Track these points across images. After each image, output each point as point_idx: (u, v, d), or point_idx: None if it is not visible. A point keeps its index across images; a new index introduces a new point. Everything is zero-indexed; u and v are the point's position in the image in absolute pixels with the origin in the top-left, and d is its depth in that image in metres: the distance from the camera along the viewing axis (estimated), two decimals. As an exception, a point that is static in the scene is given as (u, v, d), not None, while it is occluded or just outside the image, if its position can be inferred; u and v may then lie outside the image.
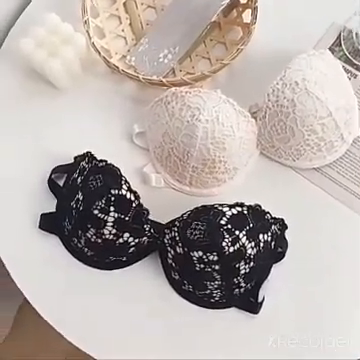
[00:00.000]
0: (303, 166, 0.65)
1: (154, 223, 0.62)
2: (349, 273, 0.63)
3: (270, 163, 0.67)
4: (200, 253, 0.56)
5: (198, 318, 0.61)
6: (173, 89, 0.62)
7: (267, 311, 0.61)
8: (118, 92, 0.70)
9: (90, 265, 0.63)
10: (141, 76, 0.65)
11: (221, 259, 0.56)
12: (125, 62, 0.71)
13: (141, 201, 0.59)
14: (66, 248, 0.63)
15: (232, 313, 0.61)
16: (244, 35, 0.69)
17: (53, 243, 0.64)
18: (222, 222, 0.56)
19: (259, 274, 0.60)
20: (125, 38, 0.72)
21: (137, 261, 0.62)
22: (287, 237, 0.62)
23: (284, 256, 0.61)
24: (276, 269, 0.61)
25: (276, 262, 0.61)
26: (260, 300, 0.60)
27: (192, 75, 0.65)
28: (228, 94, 0.63)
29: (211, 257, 0.56)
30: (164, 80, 0.64)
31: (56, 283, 0.63)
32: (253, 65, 0.71)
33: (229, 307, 0.61)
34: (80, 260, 0.63)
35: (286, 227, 0.61)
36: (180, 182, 0.65)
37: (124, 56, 0.71)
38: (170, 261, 0.60)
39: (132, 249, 0.60)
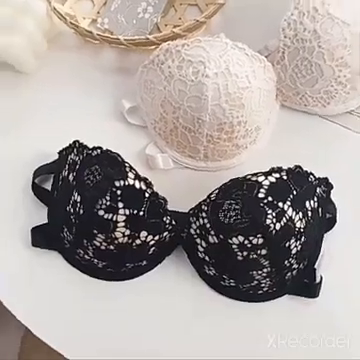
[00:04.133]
0: (336, 111, 0.56)
1: (173, 214, 0.52)
2: None
3: (295, 115, 0.58)
4: (241, 238, 0.47)
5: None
6: (165, 45, 0.52)
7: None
8: (95, 65, 0.60)
9: (104, 278, 0.53)
10: (122, 37, 0.54)
11: (268, 241, 0.46)
12: (97, 27, 0.61)
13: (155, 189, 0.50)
14: (70, 263, 0.53)
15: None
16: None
17: (53, 260, 0.54)
18: (261, 195, 0.47)
19: (311, 249, 0.51)
20: (91, -2, 0.63)
21: (159, 263, 0.53)
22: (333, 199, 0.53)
23: (335, 222, 0.53)
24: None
25: (327, 231, 0.53)
26: (317, 280, 0.52)
27: (183, 25, 0.55)
28: None
29: (255, 240, 0.46)
30: (151, 37, 0.54)
31: (64, 309, 0.52)
32: (250, 3, 0.62)
33: (281, 296, 0.52)
34: (90, 275, 0.53)
35: (331, 187, 0.53)
36: (193, 158, 0.56)
37: (94, 20, 0.62)
38: (202, 255, 0.51)
39: (152, 249, 0.51)
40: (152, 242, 0.51)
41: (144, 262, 0.53)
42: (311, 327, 0.52)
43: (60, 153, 0.55)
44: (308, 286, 0.52)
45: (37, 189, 0.56)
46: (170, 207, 0.54)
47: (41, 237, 0.54)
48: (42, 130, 0.58)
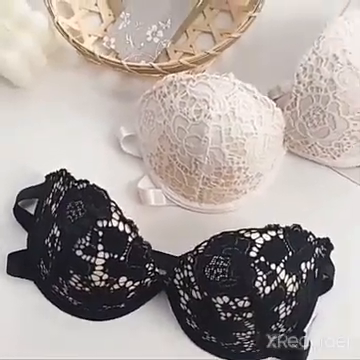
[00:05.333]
0: (346, 164, 0.53)
1: (158, 255, 0.50)
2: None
3: (302, 163, 0.54)
4: (226, 299, 0.43)
5: None
6: (169, 77, 0.49)
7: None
8: (95, 86, 0.57)
9: (78, 316, 0.50)
10: (125, 62, 0.51)
11: (255, 304, 0.43)
12: (103, 46, 0.58)
13: (139, 232, 0.46)
14: (45, 296, 0.51)
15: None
16: (254, -1, 0.56)
17: (28, 290, 0.51)
18: (252, 254, 0.43)
19: (303, 313, 0.48)
20: (100, 14, 0.60)
21: (139, 306, 0.50)
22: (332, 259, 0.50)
23: (332, 284, 0.49)
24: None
25: (322, 294, 0.50)
26: (306, 346, 0.49)
27: (192, 56, 0.52)
28: (238, 78, 0.50)
29: (241, 303, 0.43)
30: (156, 65, 0.51)
31: (36, 341, 0.49)
32: (269, 37, 0.59)
33: (265, 358, 0.49)
34: (65, 311, 0.50)
35: (332, 247, 0.49)
36: (187, 198, 0.52)
37: (100, 38, 0.58)
38: (184, 307, 0.48)
39: (132, 294, 0.48)
40: (132, 287, 0.47)
41: (122, 305, 0.50)
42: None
43: (47, 177, 0.52)
44: (295, 351, 0.48)
45: (19, 212, 0.53)
46: (158, 246, 0.51)
47: (17, 265, 0.51)
48: (33, 149, 0.56)
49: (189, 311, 0.48)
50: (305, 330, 0.49)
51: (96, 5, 0.59)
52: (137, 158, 0.55)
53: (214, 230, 0.47)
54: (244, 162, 0.49)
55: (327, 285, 0.50)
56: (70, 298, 0.49)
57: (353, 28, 0.48)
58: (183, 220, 0.54)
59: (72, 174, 0.49)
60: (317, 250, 0.48)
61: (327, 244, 0.49)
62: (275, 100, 0.52)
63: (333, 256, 0.50)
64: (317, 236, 0.49)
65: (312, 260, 0.47)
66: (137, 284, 0.47)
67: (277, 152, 0.53)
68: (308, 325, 0.49)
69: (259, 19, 0.56)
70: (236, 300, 0.44)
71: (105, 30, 0.58)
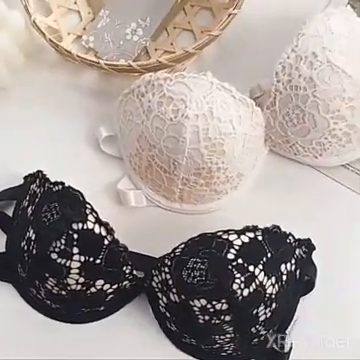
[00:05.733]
0: (328, 163, 0.52)
1: (138, 257, 0.49)
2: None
3: (284, 162, 0.53)
4: (203, 302, 0.43)
5: None
6: (147, 76, 0.48)
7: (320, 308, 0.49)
8: (75, 85, 0.56)
9: (57, 319, 0.49)
10: (103, 61, 0.51)
11: (233, 307, 0.43)
12: (82, 44, 0.57)
13: (120, 234, 0.46)
14: (24, 299, 0.50)
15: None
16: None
17: (7, 293, 0.50)
18: (230, 256, 0.43)
19: (284, 315, 0.47)
20: (79, 12, 0.58)
21: (119, 309, 0.49)
22: (315, 260, 0.49)
23: (314, 286, 0.49)
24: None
25: (304, 295, 0.49)
26: (287, 348, 0.48)
27: (171, 54, 0.51)
28: (220, 76, 0.50)
29: (219, 306, 0.43)
30: (134, 64, 0.50)
31: (15, 344, 0.49)
32: (250, 35, 0.58)
33: (246, 360, 0.49)
34: (44, 314, 0.49)
35: (314, 248, 0.48)
36: (168, 199, 0.52)
37: (79, 36, 0.57)
38: (163, 310, 0.47)
39: (111, 297, 0.47)
40: (110, 290, 0.47)
41: (102, 308, 0.49)
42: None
43: (25, 179, 0.51)
44: (277, 353, 0.47)
45: (-2, 214, 0.53)
46: (139, 248, 0.51)
47: (-4, 267, 0.51)
48: (12, 149, 0.55)
49: (168, 314, 0.47)
50: (287, 331, 0.49)
51: (75, 3, 0.58)
52: (117, 158, 0.54)
53: (195, 231, 0.46)
54: (223, 162, 0.48)
55: (309, 286, 0.49)
56: (48, 301, 0.48)
57: (333, 25, 0.47)
58: (164, 221, 0.53)
59: (50, 175, 0.48)
60: (298, 251, 0.47)
61: (308, 245, 0.48)
62: (256, 98, 0.52)
63: (316, 256, 0.49)
64: (300, 236, 0.48)
65: (292, 261, 0.47)
66: (115, 287, 0.47)
67: (258, 152, 0.52)
68: (290, 327, 0.49)
69: (241, 16, 0.56)
70: (214, 303, 0.43)
71: (84, 28, 0.57)
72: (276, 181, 0.54)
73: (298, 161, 0.53)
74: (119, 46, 0.55)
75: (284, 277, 0.45)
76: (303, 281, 0.48)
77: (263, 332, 0.46)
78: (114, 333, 0.50)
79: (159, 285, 0.46)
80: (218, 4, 0.57)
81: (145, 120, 0.48)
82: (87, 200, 0.46)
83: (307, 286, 0.49)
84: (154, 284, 0.46)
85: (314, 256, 0.49)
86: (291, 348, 0.48)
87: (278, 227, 0.46)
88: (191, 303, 0.43)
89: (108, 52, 0.55)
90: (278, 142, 0.51)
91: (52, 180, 0.47)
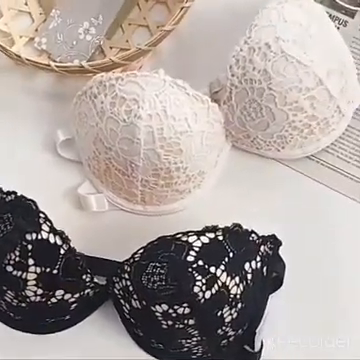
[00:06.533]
0: (292, 156, 0.51)
1: (103, 262, 0.48)
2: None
3: (248, 157, 0.52)
4: (165, 307, 0.41)
5: None
6: (98, 76, 0.46)
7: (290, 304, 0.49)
8: (30, 89, 0.54)
9: (21, 330, 0.48)
10: (54, 64, 0.49)
11: (196, 311, 0.41)
12: (35, 47, 0.55)
13: (80, 241, 0.45)
14: (-14, 311, 0.49)
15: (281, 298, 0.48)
16: (190, -13, 0.54)
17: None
18: (190, 258, 0.41)
19: (252, 314, 0.46)
20: (30, 14, 0.56)
21: (86, 317, 0.48)
22: (283, 255, 0.48)
23: (282, 282, 0.48)
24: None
25: (273, 292, 0.48)
26: (258, 347, 0.47)
27: (124, 52, 0.49)
28: (178, 72, 0.49)
29: (181, 310, 0.41)
30: (86, 65, 0.48)
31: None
32: (209, 27, 0.56)
33: (218, 362, 0.48)
34: (9, 326, 0.48)
35: (280, 243, 0.47)
36: (130, 201, 0.50)
37: (32, 39, 0.55)
38: (128, 316, 0.46)
39: (74, 306, 0.46)
40: (72, 300, 0.45)
41: (67, 317, 0.48)
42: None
43: (-21, 189, 0.50)
44: (249, 353, 0.47)
45: None
46: (104, 253, 0.49)
47: None
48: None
49: (133, 320, 0.46)
50: (257, 330, 0.48)
51: (26, 4, 0.56)
52: (76, 162, 0.52)
53: (160, 232, 0.45)
54: (182, 162, 0.46)
55: (277, 283, 0.48)
56: (11, 313, 0.47)
57: (287, 13, 0.45)
58: (128, 224, 0.52)
59: (6, 184, 0.46)
60: (263, 248, 0.46)
61: (274, 240, 0.47)
62: (216, 93, 0.50)
63: (284, 251, 0.48)
64: (267, 231, 0.47)
65: (258, 259, 0.45)
66: (77, 296, 0.45)
67: (219, 148, 0.51)
68: (260, 325, 0.48)
69: (198, 8, 0.54)
70: (175, 307, 0.42)
71: (36, 30, 0.55)
72: (241, 177, 0.52)
73: (261, 155, 0.51)
74: (72, 46, 0.53)
75: (249, 276, 0.44)
76: (271, 278, 0.47)
77: (231, 333, 0.45)
78: (83, 341, 0.48)
79: (121, 292, 0.45)
80: (173, -3, 0.56)
81: (99, 122, 0.46)
82: (42, 209, 0.44)
83: (276, 283, 0.48)
84: (116, 291, 0.45)
85: (282, 251, 0.48)
86: (262, 347, 0.47)
87: (239, 225, 0.44)
88: (153, 309, 0.42)
89: (61, 53, 0.53)
90: (239, 137, 0.50)
91: (5, 190, 0.45)
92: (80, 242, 0.49)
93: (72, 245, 0.44)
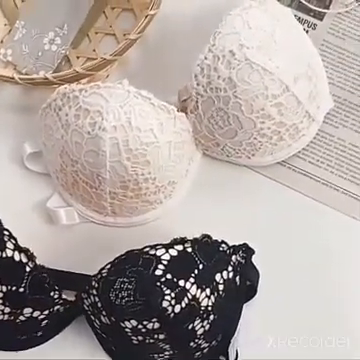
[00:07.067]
0: (263, 162, 0.50)
1: (75, 277, 0.47)
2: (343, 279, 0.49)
3: (219, 165, 0.51)
4: (134, 322, 0.41)
5: None
6: (62, 88, 0.45)
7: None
8: (-4, 101, 0.54)
9: (-4, 349, 0.48)
10: (18, 76, 0.48)
11: (165, 325, 0.41)
12: (0, 59, 0.53)
13: (51, 256, 0.45)
14: None
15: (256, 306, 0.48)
16: (155, -6, 0.53)
17: None
18: (158, 272, 0.41)
19: (225, 325, 0.45)
20: (-5, 25, 0.56)
21: (59, 332, 0.47)
22: (256, 263, 0.47)
23: (256, 291, 0.47)
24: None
25: (247, 301, 0.47)
26: (233, 357, 0.46)
27: (89, 63, 0.48)
28: (147, 80, 0.49)
29: (150, 325, 0.41)
30: (50, 76, 0.47)
31: None
32: (178, 34, 0.55)
33: (192, 374, 0.47)
34: (-19, 344, 0.48)
35: (253, 252, 0.46)
36: (100, 213, 0.49)
37: (-3, 50, 0.55)
38: (99, 331, 0.45)
39: (45, 322, 0.45)
40: (42, 316, 0.44)
41: (39, 333, 0.47)
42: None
43: None
44: (223, 363, 0.47)
45: None
46: (76, 267, 0.48)
47: None
48: None
49: (104, 335, 0.45)
50: (232, 340, 0.47)
51: (-11, 16, 0.56)
52: (45, 175, 0.51)
53: (133, 244, 0.44)
54: (150, 173, 0.46)
55: (251, 291, 0.47)
56: (-19, 332, 0.47)
57: (252, 20, 0.45)
58: (100, 236, 0.51)
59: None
60: (234, 257, 0.45)
61: (246, 249, 0.46)
62: (184, 101, 0.49)
63: (258, 259, 0.47)
64: (242, 239, 0.46)
65: (229, 269, 0.44)
66: (46, 313, 0.44)
67: (190, 157, 0.50)
68: (235, 335, 0.47)
69: (166, 15, 0.54)
70: (144, 323, 0.41)
71: (1, 42, 0.54)
72: (213, 185, 0.52)
73: (232, 162, 0.51)
74: (38, 57, 0.52)
75: (221, 286, 0.44)
76: (245, 287, 0.46)
77: (205, 345, 0.45)
78: (57, 357, 0.47)
79: (90, 308, 0.44)
80: (140, 4, 0.54)
81: (64, 135, 0.46)
82: (11, 223, 0.43)
83: (250, 291, 0.47)
84: (86, 307, 0.44)
85: (256, 259, 0.47)
86: (237, 356, 0.47)
87: (208, 236, 0.44)
88: (122, 325, 0.42)
89: (27, 65, 0.52)
90: (209, 145, 0.49)
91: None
92: (51, 257, 0.49)
93: (39, 262, 0.43)
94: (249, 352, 0.47)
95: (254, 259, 0.47)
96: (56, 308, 0.45)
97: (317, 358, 0.49)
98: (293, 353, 0.49)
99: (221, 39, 0.44)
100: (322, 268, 0.50)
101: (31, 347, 0.47)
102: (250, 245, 0.47)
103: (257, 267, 0.47)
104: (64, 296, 0.44)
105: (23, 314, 0.43)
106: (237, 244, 0.46)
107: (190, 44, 0.55)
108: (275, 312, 0.49)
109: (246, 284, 0.46)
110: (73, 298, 0.45)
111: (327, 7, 0.55)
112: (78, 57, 0.54)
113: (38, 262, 0.45)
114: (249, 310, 0.47)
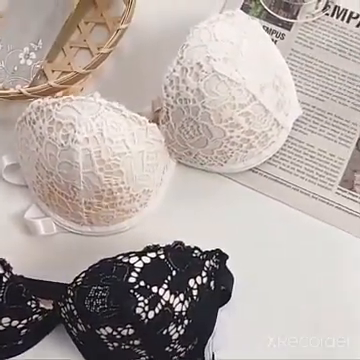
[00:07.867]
0: (235, 170, 0.51)
1: (53, 286, 0.48)
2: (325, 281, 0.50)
3: (193, 173, 0.52)
4: (109, 329, 0.42)
5: None
6: (36, 102, 0.46)
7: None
8: (-28, 116, 0.54)
9: (-24, 359, 0.48)
10: (-9, 91, 0.49)
11: (140, 331, 0.42)
12: (-23, 74, 0.55)
13: (30, 266, 0.46)
14: None
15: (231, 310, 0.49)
16: (127, 8, 0.54)
17: None
18: (131, 280, 0.41)
19: (200, 329, 0.46)
20: (-29, 41, 0.56)
21: (39, 341, 0.48)
22: (231, 268, 0.48)
23: (230, 295, 0.48)
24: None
25: (222, 305, 0.48)
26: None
27: (62, 77, 0.49)
28: (121, 92, 0.50)
29: (125, 331, 0.42)
30: (24, 90, 0.48)
31: None
32: (152, 46, 0.56)
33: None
34: None
35: (226, 257, 0.47)
36: (77, 223, 0.50)
37: (-27, 66, 0.55)
38: (77, 339, 0.46)
39: (24, 331, 0.46)
40: (21, 326, 0.45)
41: (20, 342, 0.48)
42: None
43: None
44: (200, 367, 0.48)
45: None
46: (55, 277, 0.49)
47: None
48: None
49: (82, 343, 0.46)
50: (208, 343, 0.48)
51: (-34, 31, 0.57)
52: (23, 187, 0.52)
53: (111, 252, 0.45)
54: (123, 182, 0.46)
55: (226, 296, 0.48)
56: None
57: (218, 32, 0.46)
58: (78, 246, 0.52)
59: None
60: (208, 263, 0.46)
61: (220, 254, 0.47)
62: (158, 112, 0.51)
63: (232, 264, 0.48)
64: (217, 244, 0.47)
65: (203, 274, 0.45)
66: (25, 322, 0.45)
67: (164, 166, 0.51)
68: (210, 339, 0.48)
69: (139, 28, 0.55)
70: (119, 329, 0.42)
71: (-23, 57, 0.56)
72: (188, 192, 0.53)
73: (206, 170, 0.52)
74: (14, 72, 0.53)
75: (195, 292, 0.44)
76: (219, 292, 0.47)
77: (181, 349, 0.45)
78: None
79: (67, 316, 0.45)
80: (112, 18, 0.55)
81: (39, 147, 0.46)
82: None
83: (224, 296, 0.48)
84: (63, 315, 0.45)
85: (230, 264, 0.48)
86: (213, 358, 0.48)
87: (181, 243, 0.45)
88: (98, 332, 0.43)
89: (4, 79, 0.53)
90: (182, 154, 0.50)
91: None
92: (31, 267, 0.50)
93: (19, 272, 0.44)
94: (227, 353, 0.47)
95: (229, 264, 0.48)
96: (34, 317, 0.45)
97: (316, 358, 0.49)
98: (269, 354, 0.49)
99: (189, 51, 0.45)
100: (295, 271, 0.51)
101: (12, 356, 0.48)
102: (225, 250, 0.47)
103: (232, 272, 0.48)
104: (42, 305, 0.45)
105: (2, 323, 0.44)
106: (210, 250, 0.47)
107: (163, 56, 0.56)
108: (250, 315, 0.50)
109: (220, 289, 0.47)
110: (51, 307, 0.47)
111: (294, 17, 0.56)
112: (53, 71, 0.55)
113: (17, 273, 0.46)
114: (225, 314, 0.49)
